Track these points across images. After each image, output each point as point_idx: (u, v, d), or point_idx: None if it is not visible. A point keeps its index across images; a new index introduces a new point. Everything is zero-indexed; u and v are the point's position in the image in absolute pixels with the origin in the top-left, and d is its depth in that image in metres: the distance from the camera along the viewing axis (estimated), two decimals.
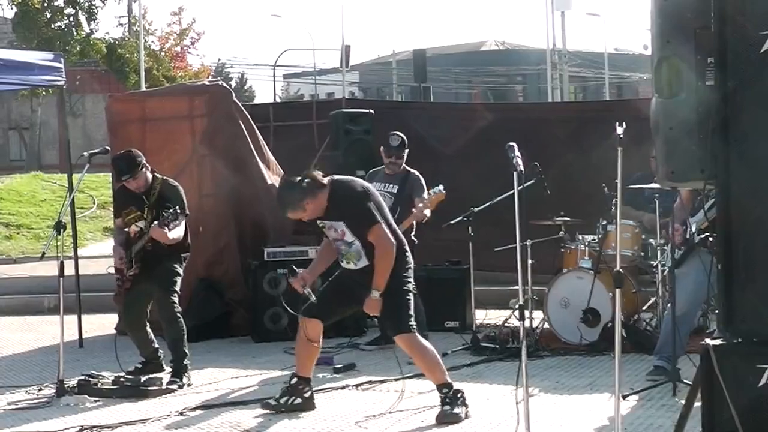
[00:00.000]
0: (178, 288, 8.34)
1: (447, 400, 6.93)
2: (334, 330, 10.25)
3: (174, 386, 8.04)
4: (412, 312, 6.98)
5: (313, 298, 7.14)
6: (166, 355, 8.43)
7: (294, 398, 7.24)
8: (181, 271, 8.38)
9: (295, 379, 7.30)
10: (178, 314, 8.28)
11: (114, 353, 8.37)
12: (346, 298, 7.21)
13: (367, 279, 6.93)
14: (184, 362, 8.26)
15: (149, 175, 8.35)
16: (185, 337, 8.30)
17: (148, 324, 8.53)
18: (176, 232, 8.20)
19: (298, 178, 6.94)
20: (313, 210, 7.00)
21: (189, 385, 8.18)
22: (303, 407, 7.24)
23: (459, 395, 6.96)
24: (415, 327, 6.96)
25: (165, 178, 8.46)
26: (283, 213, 7.28)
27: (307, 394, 7.29)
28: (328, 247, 7.28)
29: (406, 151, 9.51)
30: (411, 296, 7.03)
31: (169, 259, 8.29)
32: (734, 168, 4.75)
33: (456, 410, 6.88)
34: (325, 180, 7.01)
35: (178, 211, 8.11)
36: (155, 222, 8.10)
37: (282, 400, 7.24)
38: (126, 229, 8.41)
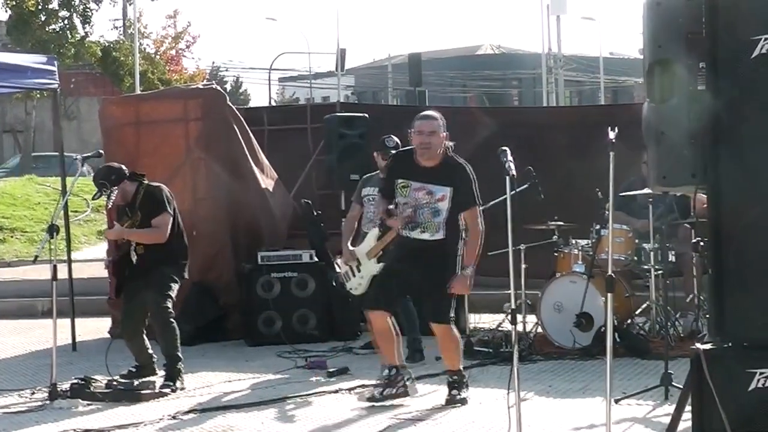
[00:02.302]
0: (173, 294, 8.32)
1: (456, 385, 7.41)
2: (328, 333, 10.31)
3: (167, 390, 8.05)
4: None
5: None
6: (160, 359, 8.43)
7: (394, 389, 7.46)
8: (177, 278, 8.36)
9: (393, 371, 7.49)
10: (172, 319, 8.28)
11: (112, 357, 8.36)
12: (404, 283, 7.45)
13: (432, 254, 7.20)
14: (178, 366, 8.27)
15: (129, 187, 8.35)
16: (179, 341, 8.31)
17: (145, 332, 8.50)
18: (148, 231, 8.21)
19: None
20: (439, 143, 7.21)
21: (182, 389, 8.18)
22: (404, 395, 7.49)
23: (465, 380, 7.50)
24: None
25: (148, 183, 8.44)
26: (430, 118, 7.34)
27: (405, 382, 7.52)
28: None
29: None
30: None
31: (164, 263, 8.29)
32: (725, 172, 4.79)
33: (462, 395, 7.41)
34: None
35: (158, 192, 8.23)
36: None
37: (385, 392, 7.45)
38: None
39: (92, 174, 8.78)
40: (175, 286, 8.35)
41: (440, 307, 7.30)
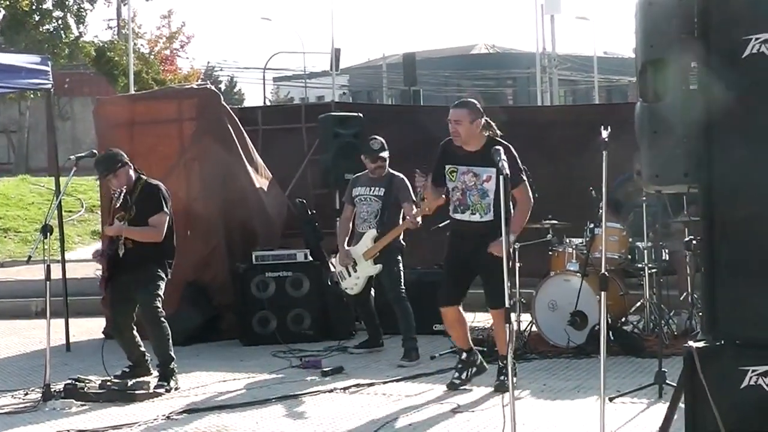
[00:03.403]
0: (161, 292, 8.31)
1: (505, 370, 7.41)
2: (323, 333, 10.32)
3: (161, 390, 8.05)
4: None
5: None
6: (154, 358, 8.44)
7: (471, 368, 7.93)
8: (164, 275, 8.36)
9: (464, 354, 7.93)
10: (163, 318, 8.28)
11: (101, 357, 8.38)
12: (467, 271, 7.76)
13: (485, 234, 7.43)
14: (171, 366, 8.27)
15: (132, 174, 8.38)
16: (170, 340, 8.30)
17: (135, 327, 8.51)
18: (147, 230, 8.21)
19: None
20: (468, 130, 7.53)
21: (176, 389, 8.19)
22: (480, 371, 7.96)
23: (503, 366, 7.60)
24: None
25: (147, 179, 8.45)
26: (458, 106, 7.73)
27: (478, 361, 7.98)
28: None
29: (387, 152, 9.50)
30: None
31: (152, 261, 8.28)
32: (717, 171, 4.80)
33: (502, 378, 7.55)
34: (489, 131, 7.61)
35: (157, 188, 8.26)
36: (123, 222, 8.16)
37: (464, 375, 7.89)
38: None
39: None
40: (163, 285, 8.34)
41: (497, 292, 7.16)
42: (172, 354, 8.30)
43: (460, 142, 7.64)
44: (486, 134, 7.63)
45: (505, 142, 7.52)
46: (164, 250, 8.36)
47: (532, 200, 7.72)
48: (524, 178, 7.64)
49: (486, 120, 7.66)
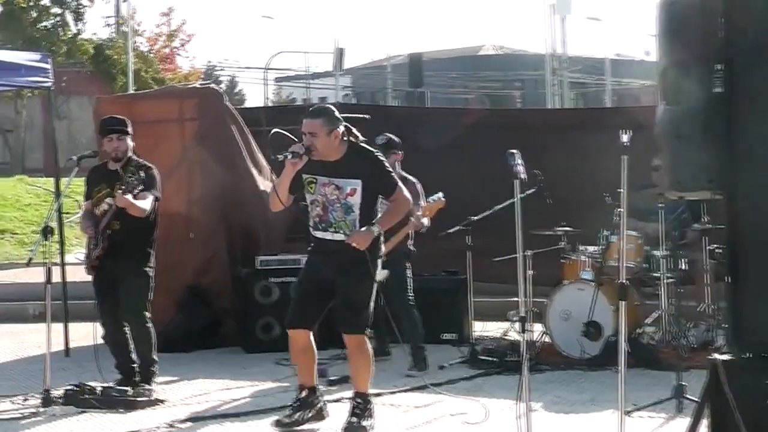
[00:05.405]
0: (149, 291, 8.21)
1: (357, 411, 6.99)
2: (329, 341, 10.26)
3: (144, 392, 7.99)
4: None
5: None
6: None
7: (307, 411, 7.13)
8: (151, 269, 8.19)
9: (305, 392, 7.18)
10: (149, 323, 8.20)
11: (104, 363, 8.33)
12: (322, 295, 7.00)
13: (350, 256, 6.76)
14: (152, 368, 8.24)
15: (131, 145, 8.27)
16: (155, 344, 8.25)
17: (127, 333, 8.32)
18: (144, 204, 8.01)
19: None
20: (326, 142, 6.81)
21: (154, 392, 8.10)
22: (317, 418, 7.18)
23: (369, 407, 7.05)
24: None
25: (142, 160, 8.29)
26: (312, 116, 6.93)
27: (318, 405, 7.19)
28: None
29: (397, 153, 9.43)
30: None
31: (136, 248, 8.13)
32: (742, 177, 4.76)
33: (364, 423, 6.96)
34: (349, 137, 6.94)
35: (142, 176, 8.01)
36: (119, 191, 7.90)
37: (296, 416, 7.11)
38: (95, 212, 8.23)
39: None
40: (151, 283, 8.22)
41: (355, 316, 6.92)
42: (155, 357, 8.25)
43: (318, 156, 6.84)
44: (345, 140, 6.93)
45: (369, 148, 7.03)
46: (148, 239, 8.22)
47: (410, 200, 7.15)
48: (396, 181, 7.01)
49: (345, 126, 6.94)
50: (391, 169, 7.02)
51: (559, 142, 11.59)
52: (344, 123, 6.97)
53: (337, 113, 6.94)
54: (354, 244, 6.74)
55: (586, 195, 10.29)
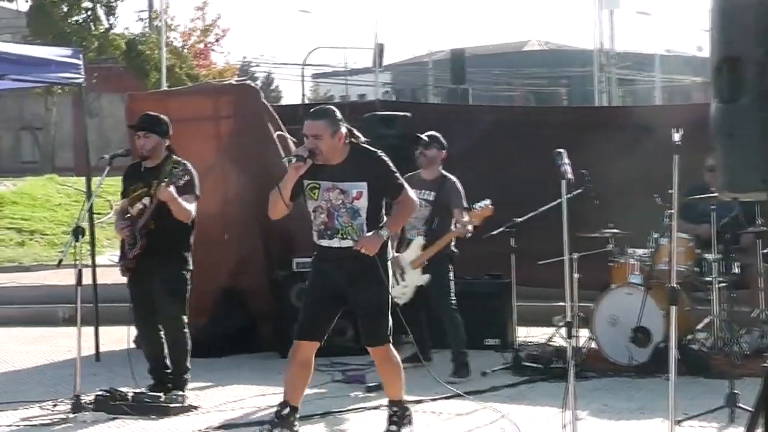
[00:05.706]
0: (186, 297, 8.25)
1: (395, 419, 6.99)
2: (365, 348, 10.27)
3: (176, 398, 8.04)
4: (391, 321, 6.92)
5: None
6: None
7: (282, 430, 6.87)
8: (188, 273, 8.24)
9: (286, 410, 6.90)
10: (185, 330, 8.24)
11: (135, 367, 8.39)
12: (335, 300, 6.91)
13: (359, 263, 6.69)
14: (185, 376, 8.27)
15: (164, 146, 8.26)
16: (189, 352, 8.28)
17: (162, 338, 8.38)
18: (188, 206, 8.04)
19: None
20: (330, 144, 6.70)
21: (186, 398, 8.14)
22: None
23: (407, 414, 7.04)
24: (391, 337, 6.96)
25: (180, 159, 8.24)
26: (314, 117, 6.76)
27: (295, 427, 6.92)
28: None
29: (440, 150, 9.46)
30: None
31: (172, 250, 8.16)
32: None
33: (403, 430, 6.96)
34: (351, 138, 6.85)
35: (189, 167, 8.05)
36: (162, 183, 7.89)
37: None
38: (130, 211, 8.28)
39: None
40: (188, 289, 8.26)
41: (376, 329, 6.90)
42: (189, 365, 8.29)
43: (322, 160, 6.72)
44: (347, 142, 6.82)
45: (372, 148, 6.91)
46: (185, 242, 8.24)
47: (417, 201, 7.10)
48: (402, 182, 6.91)
49: (347, 127, 6.83)
50: (396, 170, 6.93)
51: (607, 140, 11.54)
52: (346, 125, 6.86)
53: (338, 114, 6.83)
54: (363, 250, 6.65)
55: (635, 196, 10.25)
